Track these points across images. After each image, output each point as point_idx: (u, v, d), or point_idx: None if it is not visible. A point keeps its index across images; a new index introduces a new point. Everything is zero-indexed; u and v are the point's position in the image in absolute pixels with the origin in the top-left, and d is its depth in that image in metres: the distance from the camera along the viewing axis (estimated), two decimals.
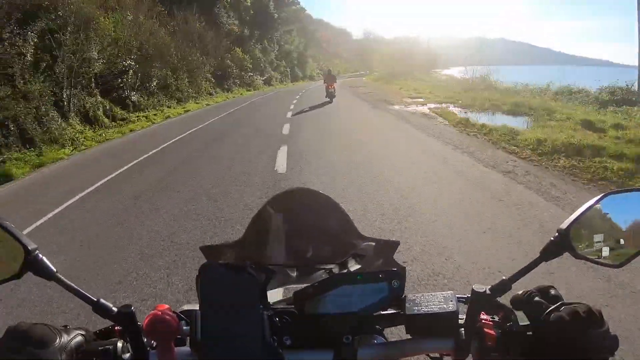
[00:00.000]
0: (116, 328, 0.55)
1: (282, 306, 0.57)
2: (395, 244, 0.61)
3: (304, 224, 0.59)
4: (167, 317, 0.51)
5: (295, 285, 0.64)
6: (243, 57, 28.96)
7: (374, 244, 0.61)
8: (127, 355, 0.52)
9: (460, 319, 0.52)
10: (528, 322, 0.50)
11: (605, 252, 0.53)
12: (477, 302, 0.51)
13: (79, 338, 0.52)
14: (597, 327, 0.48)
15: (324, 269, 0.62)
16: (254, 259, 0.58)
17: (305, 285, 0.54)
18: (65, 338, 0.50)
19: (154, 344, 0.53)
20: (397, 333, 0.56)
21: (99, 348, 0.51)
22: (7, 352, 0.45)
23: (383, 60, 43.95)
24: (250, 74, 30.07)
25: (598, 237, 0.53)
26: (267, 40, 37.30)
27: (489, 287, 0.52)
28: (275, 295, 0.65)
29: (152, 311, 0.52)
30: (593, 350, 0.46)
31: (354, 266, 0.61)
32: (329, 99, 16.49)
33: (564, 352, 0.47)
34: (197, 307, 0.53)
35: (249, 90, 27.78)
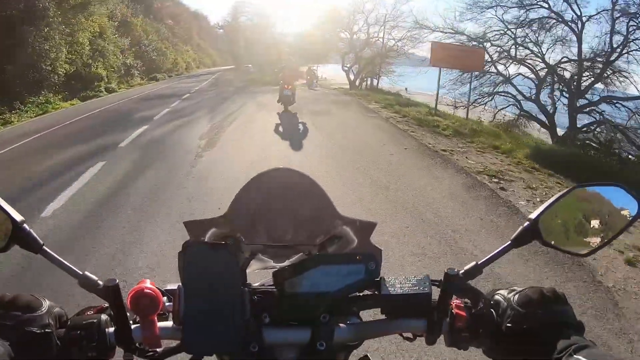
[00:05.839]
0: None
1: (261, 285, 0.59)
2: (372, 225, 0.62)
3: (286, 204, 0.60)
4: (151, 292, 0.52)
5: (272, 266, 0.65)
6: None
7: (350, 225, 0.62)
8: (111, 329, 0.53)
9: (434, 301, 0.54)
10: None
11: (573, 241, 0.56)
12: (449, 284, 0.53)
13: (60, 309, 0.53)
14: (560, 306, 0.51)
15: (302, 251, 0.63)
16: (236, 237, 0.59)
17: (283, 265, 0.56)
18: (50, 304, 0.51)
19: (137, 318, 0.54)
20: (371, 316, 0.58)
21: (83, 322, 0.51)
22: None
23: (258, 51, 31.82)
24: None
25: (566, 227, 0.55)
26: None
27: (462, 270, 0.54)
28: (254, 275, 0.66)
29: (136, 286, 0.53)
30: (557, 327, 0.49)
31: (332, 247, 0.62)
32: (280, 105, 9.73)
33: (529, 329, 0.49)
34: (179, 284, 0.54)
35: None
